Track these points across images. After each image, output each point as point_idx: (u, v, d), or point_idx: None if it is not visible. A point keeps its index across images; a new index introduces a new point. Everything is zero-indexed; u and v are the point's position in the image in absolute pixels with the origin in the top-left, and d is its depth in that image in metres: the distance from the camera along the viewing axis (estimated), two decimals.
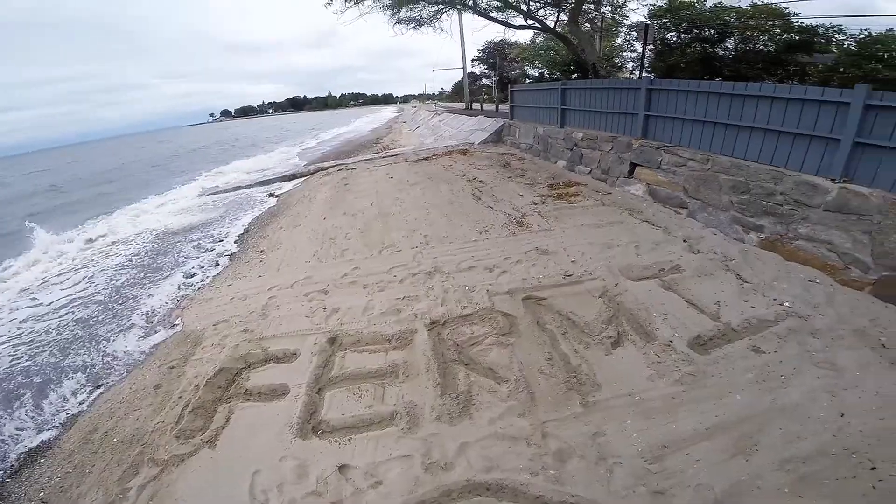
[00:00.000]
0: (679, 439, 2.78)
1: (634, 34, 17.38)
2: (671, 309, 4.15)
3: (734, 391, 3.12)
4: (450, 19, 14.49)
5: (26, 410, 4.24)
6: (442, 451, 2.89)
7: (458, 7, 13.52)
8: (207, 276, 6.91)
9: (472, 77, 36.24)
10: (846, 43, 11.54)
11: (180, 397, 3.80)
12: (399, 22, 13.63)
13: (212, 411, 3.58)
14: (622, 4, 14.21)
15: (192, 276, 7.08)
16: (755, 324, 3.81)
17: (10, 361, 5.19)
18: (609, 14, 15.40)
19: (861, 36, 11.09)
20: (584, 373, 3.45)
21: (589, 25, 15.46)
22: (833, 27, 11.82)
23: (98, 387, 4.46)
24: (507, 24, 13.51)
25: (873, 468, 2.42)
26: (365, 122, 52.54)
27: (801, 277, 4.47)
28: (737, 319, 3.88)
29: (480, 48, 34.74)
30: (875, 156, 4.29)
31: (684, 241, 5.61)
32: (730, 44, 13.06)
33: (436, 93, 69.42)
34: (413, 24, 13.88)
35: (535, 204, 7.72)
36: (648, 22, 13.40)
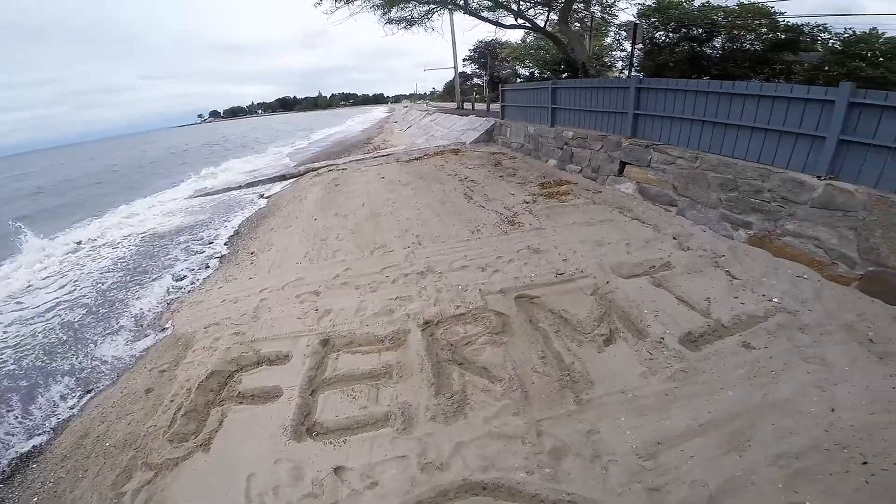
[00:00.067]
0: (673, 436, 2.80)
1: (623, 33, 17.52)
2: (662, 306, 4.19)
3: (726, 387, 3.15)
4: (441, 19, 14.47)
5: (16, 416, 4.18)
6: (437, 450, 2.89)
7: (450, 7, 13.48)
8: (197, 279, 6.84)
9: (464, 77, 36.29)
10: (831, 42, 11.72)
11: (172, 401, 3.76)
12: (390, 22, 13.58)
13: (204, 414, 3.56)
14: (611, 4, 14.32)
15: (181, 278, 7.00)
16: (745, 320, 3.86)
17: None
18: (598, 13, 15.49)
19: (845, 35, 11.26)
20: (578, 371, 3.47)
21: (579, 25, 15.54)
22: (818, 26, 11.99)
23: (88, 391, 4.41)
24: (497, 24, 13.55)
25: (865, 463, 2.45)
26: (356, 122, 52.23)
27: (790, 273, 4.54)
28: (727, 316, 3.93)
29: (472, 48, 34.88)
30: (859, 153, 4.36)
31: (674, 238, 5.66)
32: (717, 43, 13.20)
33: (427, 92, 69.38)
34: (404, 24, 13.83)
35: (527, 203, 7.74)
36: (637, 21, 13.50)
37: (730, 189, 5.62)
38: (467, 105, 26.65)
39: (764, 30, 12.46)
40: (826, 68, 10.92)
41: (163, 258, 8.27)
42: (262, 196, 12.58)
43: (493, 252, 5.72)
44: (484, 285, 4.85)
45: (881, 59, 10.37)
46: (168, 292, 6.51)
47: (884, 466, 2.42)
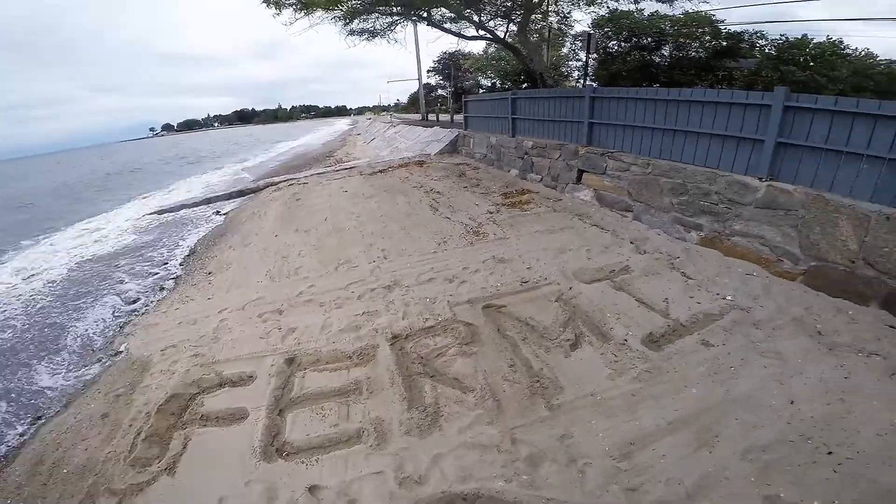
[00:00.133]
0: (644, 435, 2.87)
1: (579, 43, 18.15)
2: (623, 308, 4.31)
3: (689, 385, 3.26)
4: (404, 30, 14.38)
5: None
6: (415, 464, 2.85)
7: (413, 19, 13.48)
8: (152, 301, 6.51)
9: (428, 88, 36.49)
10: (767, 48, 12.52)
11: (131, 425, 3.59)
12: (352, 33, 13.41)
13: (167, 438, 3.42)
14: (568, 14, 14.77)
15: (134, 301, 6.64)
16: (702, 318, 4.03)
17: None
18: (555, 24, 15.95)
19: (780, 41, 12.08)
20: (547, 376, 3.51)
21: (537, 35, 15.92)
22: (756, 33, 12.79)
23: (39, 418, 4.17)
24: (459, 35, 13.68)
25: (830, 453, 2.56)
26: (317, 135, 51.49)
27: (740, 271, 4.78)
28: (685, 315, 4.09)
29: (436, 59, 35.14)
30: (796, 154, 4.67)
31: (631, 242, 5.86)
32: (665, 51, 13.86)
33: (391, 104, 69.31)
34: (366, 36, 13.68)
35: (491, 213, 7.84)
36: (591, 31, 13.98)
37: (681, 193, 5.88)
38: (432, 116, 26.75)
39: (707, 38, 13.18)
40: (763, 73, 11.67)
41: (113, 281, 7.80)
42: (218, 213, 12.14)
43: (459, 263, 5.74)
44: (452, 297, 4.86)
45: (811, 63, 11.19)
46: (120, 316, 6.15)
47: (848, 455, 2.52)
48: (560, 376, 3.50)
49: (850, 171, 4.20)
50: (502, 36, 13.48)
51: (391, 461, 2.90)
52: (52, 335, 5.90)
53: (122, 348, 5.07)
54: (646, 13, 13.64)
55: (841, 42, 12.02)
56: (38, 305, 7.08)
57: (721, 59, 12.95)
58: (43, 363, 5.18)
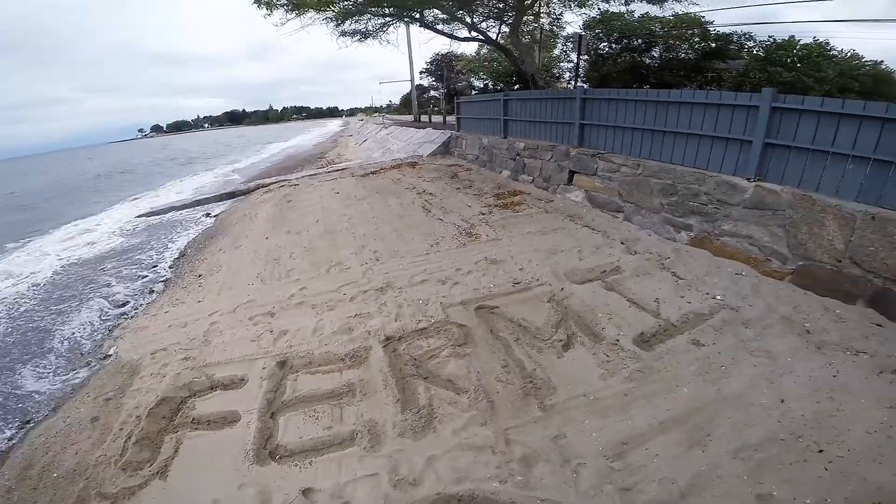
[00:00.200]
0: (636, 435, 2.88)
1: (570, 45, 18.26)
2: (615, 309, 4.34)
3: (681, 384, 3.28)
4: (396, 32, 14.35)
5: None
6: (409, 466, 2.84)
7: (406, 20, 13.46)
8: (141, 304, 6.44)
9: (421, 89, 36.49)
10: (755, 50, 12.68)
11: (121, 429, 3.55)
12: (343, 34, 13.35)
13: (158, 442, 3.38)
14: (559, 16, 14.85)
15: (123, 304, 6.56)
16: (692, 318, 4.06)
17: None
18: (547, 26, 16.03)
19: (767, 43, 12.24)
20: (540, 377, 3.52)
21: (529, 37, 15.99)
22: (744, 34, 12.94)
23: (27, 422, 4.10)
24: (452, 37, 13.72)
25: (821, 451, 2.58)
26: (309, 136, 51.23)
27: (729, 271, 4.83)
28: (675, 315, 4.12)
29: (428, 60, 35.11)
30: (783, 155, 4.74)
31: (622, 243, 5.90)
32: (655, 52, 13.98)
33: (383, 105, 69.13)
34: (358, 37, 13.63)
35: (483, 214, 7.85)
36: (582, 33, 14.06)
37: (670, 194, 5.94)
38: (424, 118, 26.76)
39: (697, 39, 13.31)
40: (751, 74, 11.83)
41: (102, 283, 7.69)
42: (208, 215, 12.04)
43: (452, 265, 5.74)
44: (445, 298, 4.85)
45: (798, 64, 11.36)
46: (110, 319, 6.07)
47: (839, 454, 2.55)
48: (553, 377, 3.52)
49: (836, 172, 4.26)
50: (494, 37, 13.52)
51: (385, 463, 2.89)
52: (36, 339, 5.81)
53: (111, 352, 5.02)
54: (636, 15, 13.78)
55: (827, 43, 12.25)
56: (22, 309, 6.97)
57: (710, 60, 13.11)
58: (28, 367, 5.09)
